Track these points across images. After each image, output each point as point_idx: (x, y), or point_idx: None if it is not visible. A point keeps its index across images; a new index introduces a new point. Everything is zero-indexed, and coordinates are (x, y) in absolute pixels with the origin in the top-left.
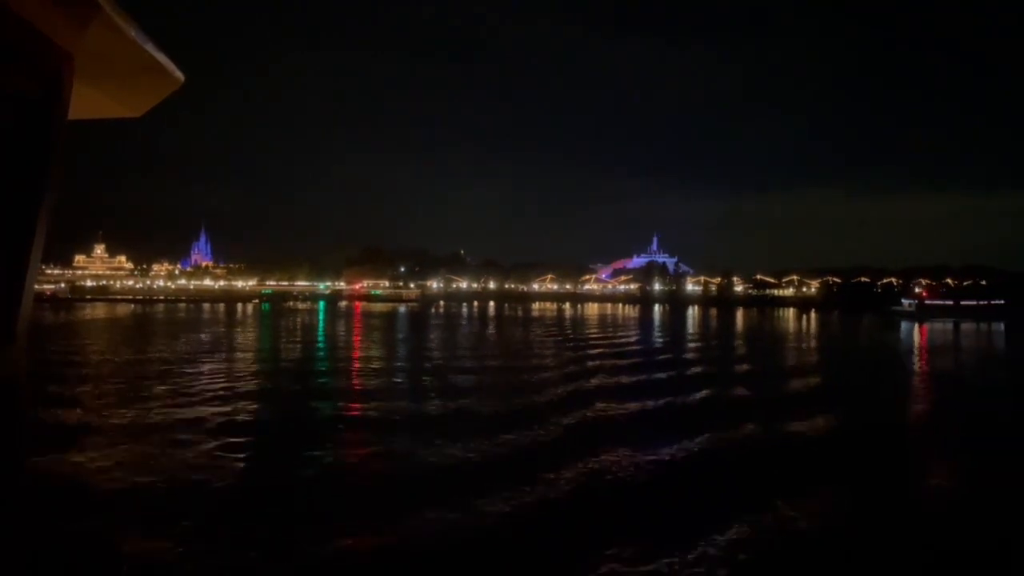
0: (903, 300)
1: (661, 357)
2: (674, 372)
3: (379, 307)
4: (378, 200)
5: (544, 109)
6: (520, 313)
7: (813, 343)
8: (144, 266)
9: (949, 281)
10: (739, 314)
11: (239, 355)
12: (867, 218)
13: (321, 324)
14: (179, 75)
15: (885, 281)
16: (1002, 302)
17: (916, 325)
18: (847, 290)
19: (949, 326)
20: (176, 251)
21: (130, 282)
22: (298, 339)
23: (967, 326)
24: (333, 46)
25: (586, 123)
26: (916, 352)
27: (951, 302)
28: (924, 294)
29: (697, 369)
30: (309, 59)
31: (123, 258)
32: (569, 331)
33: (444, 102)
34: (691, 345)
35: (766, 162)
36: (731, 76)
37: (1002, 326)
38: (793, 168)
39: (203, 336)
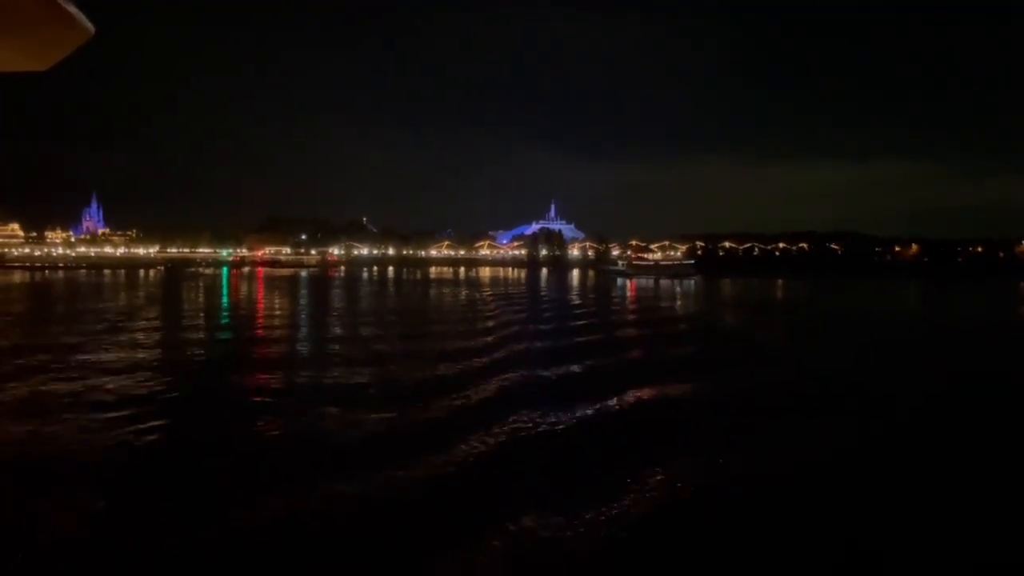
0: (619, 261)
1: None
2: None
3: (282, 272)
4: (277, 168)
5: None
6: (416, 276)
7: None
8: (35, 234)
9: (677, 245)
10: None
11: (179, 313)
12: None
13: (225, 288)
14: (89, 26)
15: (747, 245)
16: (692, 262)
17: (627, 280)
18: (709, 254)
19: (651, 282)
20: (66, 218)
21: (26, 250)
22: (217, 302)
23: (665, 282)
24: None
25: (490, 92)
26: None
27: (652, 263)
28: (632, 256)
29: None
30: (205, 20)
31: (16, 226)
32: (446, 288)
33: (346, 70)
34: (504, 289)
35: (665, 130)
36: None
37: (692, 282)
38: (690, 136)
39: (133, 297)
